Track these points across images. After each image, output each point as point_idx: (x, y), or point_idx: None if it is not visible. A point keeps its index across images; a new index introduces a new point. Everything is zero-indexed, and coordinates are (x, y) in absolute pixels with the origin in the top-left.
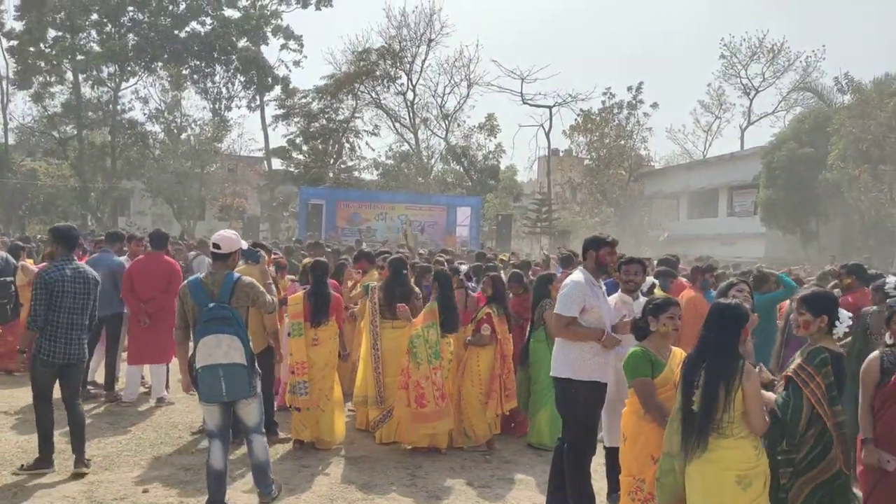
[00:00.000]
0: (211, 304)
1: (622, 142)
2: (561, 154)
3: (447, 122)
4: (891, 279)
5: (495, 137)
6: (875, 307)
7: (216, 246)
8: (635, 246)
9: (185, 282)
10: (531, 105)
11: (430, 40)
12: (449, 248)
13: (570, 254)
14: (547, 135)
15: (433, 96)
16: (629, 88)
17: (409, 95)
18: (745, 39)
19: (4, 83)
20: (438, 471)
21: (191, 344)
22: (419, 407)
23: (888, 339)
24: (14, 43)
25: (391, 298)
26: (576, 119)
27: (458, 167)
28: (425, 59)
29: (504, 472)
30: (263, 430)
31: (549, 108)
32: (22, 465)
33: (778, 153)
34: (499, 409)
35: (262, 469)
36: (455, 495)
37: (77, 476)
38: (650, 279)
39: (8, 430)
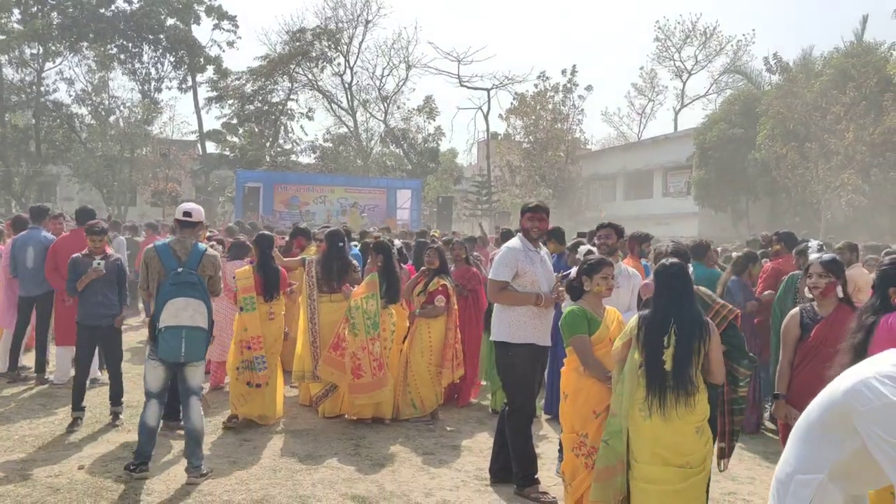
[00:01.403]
0: (179, 269)
1: (558, 125)
2: (500, 137)
3: (386, 105)
4: (813, 243)
5: (434, 120)
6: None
7: (186, 214)
8: (573, 227)
9: (151, 246)
10: (468, 87)
11: (368, 21)
12: (390, 229)
13: (508, 231)
14: (485, 117)
15: (371, 78)
16: (563, 71)
17: (347, 77)
18: (679, 23)
19: None
20: (382, 440)
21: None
22: (355, 378)
23: (806, 294)
24: None
25: (329, 272)
26: (511, 102)
27: (397, 150)
28: (363, 40)
29: (448, 439)
30: (201, 395)
31: (487, 90)
32: None
33: (709, 134)
34: (454, 377)
35: (196, 436)
36: (399, 462)
37: None
38: (585, 246)
39: None
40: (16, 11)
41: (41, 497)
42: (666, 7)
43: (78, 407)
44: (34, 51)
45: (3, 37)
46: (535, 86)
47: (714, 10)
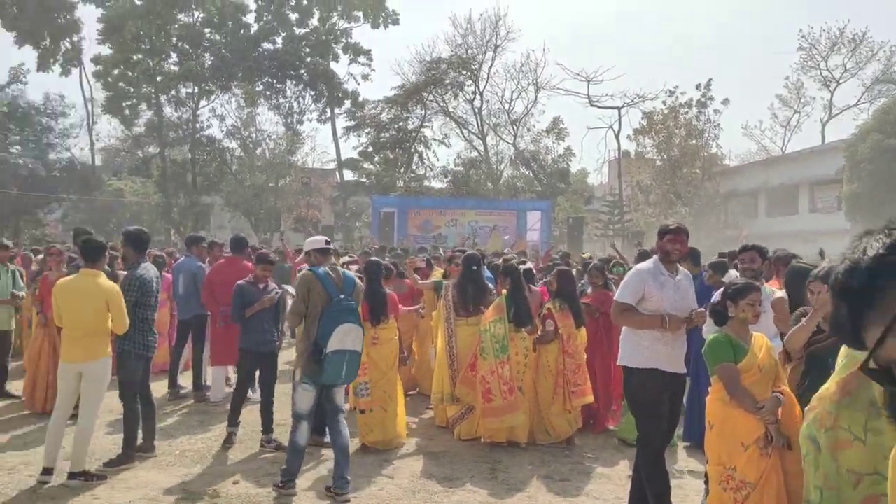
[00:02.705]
0: (341, 296)
1: (693, 141)
2: (632, 156)
3: (515, 128)
4: None
5: (563, 141)
6: None
7: (327, 243)
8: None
9: (310, 272)
10: (598, 107)
11: (497, 46)
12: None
13: (645, 251)
14: (616, 136)
15: (501, 102)
16: (698, 86)
17: (477, 102)
18: (824, 30)
19: (90, 105)
20: (518, 465)
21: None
22: (486, 402)
23: None
24: (99, 68)
25: (465, 295)
26: (640, 122)
27: (527, 172)
28: (492, 65)
29: (584, 466)
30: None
31: (618, 109)
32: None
33: (862, 146)
34: (567, 406)
35: (346, 453)
36: (535, 488)
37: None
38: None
39: (103, 429)
40: (173, 55)
41: None
42: (809, 16)
43: (234, 422)
44: (189, 90)
45: (161, 78)
46: (664, 102)
47: (862, 17)
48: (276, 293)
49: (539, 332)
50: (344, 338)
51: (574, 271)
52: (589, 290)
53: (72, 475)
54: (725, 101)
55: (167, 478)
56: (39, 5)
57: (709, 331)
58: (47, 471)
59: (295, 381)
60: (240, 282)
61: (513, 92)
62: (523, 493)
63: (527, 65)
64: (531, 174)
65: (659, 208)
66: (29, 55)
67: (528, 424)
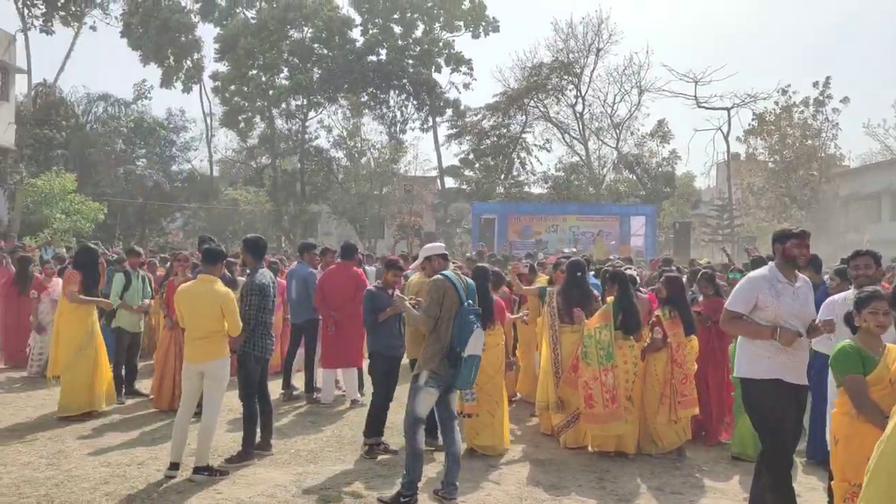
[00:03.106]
0: (469, 301)
1: (809, 141)
2: (742, 157)
3: (618, 131)
4: None
5: (668, 144)
6: None
7: (446, 249)
8: (832, 252)
9: (444, 277)
10: (706, 108)
11: (599, 49)
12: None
13: (760, 258)
14: (725, 138)
15: (603, 106)
16: (815, 84)
17: (579, 107)
18: None
19: (209, 120)
20: (627, 475)
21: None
22: (587, 407)
23: None
24: (217, 84)
25: (570, 302)
26: (750, 123)
27: (630, 176)
28: (594, 68)
29: (696, 479)
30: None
31: (727, 109)
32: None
33: None
34: (672, 416)
35: (458, 459)
36: (645, 500)
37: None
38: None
39: (224, 427)
40: (284, 69)
41: None
42: None
43: (377, 432)
44: (298, 102)
45: (273, 92)
46: (776, 103)
47: None
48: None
49: (647, 341)
50: (476, 342)
51: (684, 278)
52: (700, 298)
53: (196, 470)
54: (845, 100)
55: (283, 475)
56: (162, 26)
57: (820, 342)
58: (174, 465)
59: (419, 384)
60: (370, 287)
61: (615, 95)
62: None
63: (630, 67)
64: (635, 178)
65: (772, 212)
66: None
67: (636, 434)
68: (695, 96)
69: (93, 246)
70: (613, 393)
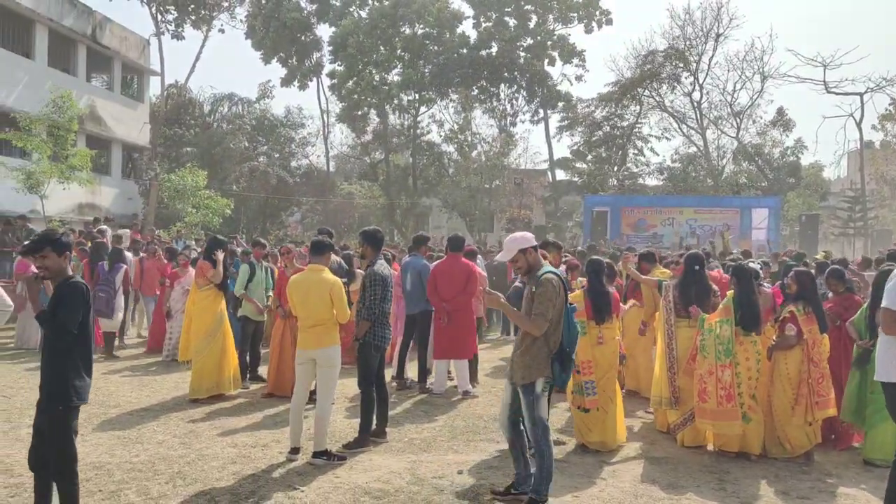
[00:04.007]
0: (570, 302)
1: None
2: (877, 146)
3: (738, 120)
4: None
5: (790, 133)
6: None
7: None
8: None
9: (556, 276)
10: (836, 94)
11: (718, 35)
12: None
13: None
14: (858, 125)
15: (722, 94)
16: None
17: (696, 95)
18: None
19: (325, 116)
20: (749, 478)
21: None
22: (701, 402)
23: None
24: (334, 81)
25: (687, 296)
26: (887, 108)
27: (751, 167)
28: (713, 55)
29: (826, 485)
30: None
31: (860, 95)
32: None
33: None
34: (808, 417)
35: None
36: None
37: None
38: None
39: (341, 413)
40: (398, 65)
41: (428, 496)
42: None
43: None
44: (410, 97)
45: (386, 88)
46: None
47: None
48: None
49: (775, 337)
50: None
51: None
52: (830, 295)
53: (315, 454)
54: None
55: (398, 463)
56: (281, 26)
57: None
58: (294, 450)
59: (537, 392)
60: (517, 283)
61: (735, 82)
62: None
63: (751, 52)
64: (756, 169)
65: None
66: (272, 72)
67: (762, 435)
68: (823, 81)
69: (221, 238)
70: (730, 391)
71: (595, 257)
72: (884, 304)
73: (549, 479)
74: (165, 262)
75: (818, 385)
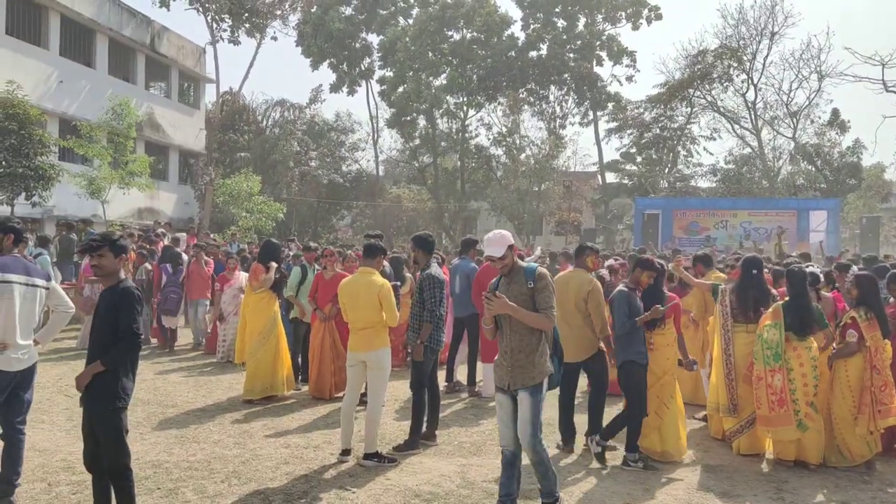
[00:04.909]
0: None
1: None
2: None
3: (795, 120)
4: None
5: (846, 133)
6: None
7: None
8: None
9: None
10: (895, 93)
11: (773, 33)
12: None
13: None
14: None
15: (778, 93)
16: None
17: (750, 95)
18: None
19: (375, 122)
20: (808, 487)
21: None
22: (757, 408)
23: None
24: (384, 88)
25: (745, 301)
26: None
27: (809, 167)
28: (767, 54)
29: (888, 495)
30: None
31: None
32: (401, 444)
33: None
34: (871, 426)
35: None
36: None
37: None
38: None
39: (391, 416)
40: (446, 69)
41: (479, 499)
42: None
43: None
44: (458, 100)
45: (434, 92)
46: None
47: None
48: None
49: (835, 344)
50: None
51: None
52: (892, 300)
53: (366, 456)
54: None
55: (448, 466)
56: (328, 34)
57: None
58: (345, 451)
59: (543, 394)
60: (622, 287)
61: (791, 82)
62: None
63: (808, 51)
64: (814, 170)
65: None
66: (323, 77)
67: (821, 444)
68: (882, 80)
69: (274, 241)
70: (781, 396)
71: (644, 257)
72: None
73: (556, 477)
74: (205, 266)
75: (881, 393)
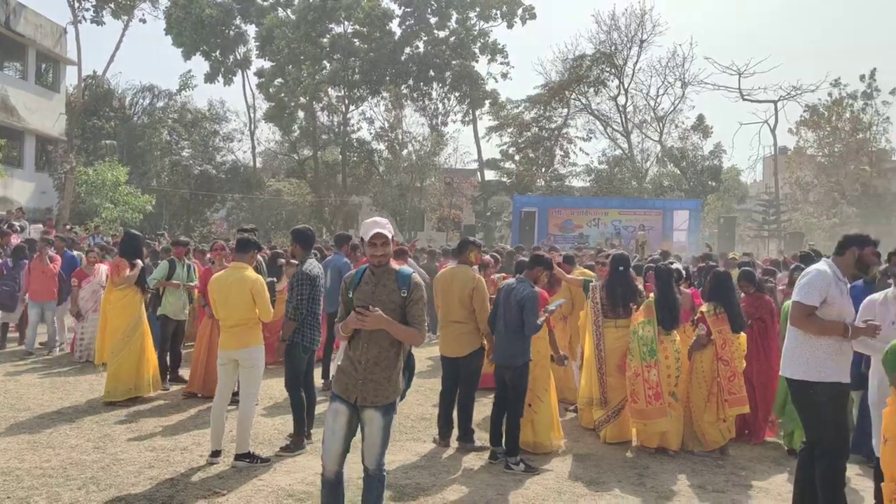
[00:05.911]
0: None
1: (859, 135)
2: (789, 152)
3: (661, 124)
4: None
5: (709, 138)
6: None
7: None
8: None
9: None
10: (751, 101)
11: (643, 41)
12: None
13: (808, 254)
14: (772, 131)
15: (646, 99)
16: (861, 77)
17: (622, 99)
18: None
19: (251, 112)
20: (667, 472)
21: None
22: (632, 402)
23: None
24: (262, 80)
25: (614, 297)
26: (801, 115)
27: (674, 169)
28: (637, 61)
29: (740, 478)
30: None
31: (774, 102)
32: (286, 447)
33: None
34: (720, 414)
35: None
36: (687, 498)
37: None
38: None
39: (264, 414)
40: (326, 64)
41: (353, 497)
42: None
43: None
44: (339, 94)
45: (314, 85)
46: (829, 94)
47: None
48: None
49: (693, 337)
50: None
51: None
52: (742, 296)
53: (237, 457)
54: (894, 92)
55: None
56: (198, 21)
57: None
58: (215, 452)
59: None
60: (536, 288)
61: (658, 88)
62: (674, 503)
63: (673, 59)
64: (679, 172)
65: (821, 207)
66: (198, 65)
67: (681, 431)
68: (738, 89)
69: (137, 233)
70: (657, 389)
71: (540, 254)
72: (793, 297)
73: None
74: (49, 264)
75: (729, 383)
